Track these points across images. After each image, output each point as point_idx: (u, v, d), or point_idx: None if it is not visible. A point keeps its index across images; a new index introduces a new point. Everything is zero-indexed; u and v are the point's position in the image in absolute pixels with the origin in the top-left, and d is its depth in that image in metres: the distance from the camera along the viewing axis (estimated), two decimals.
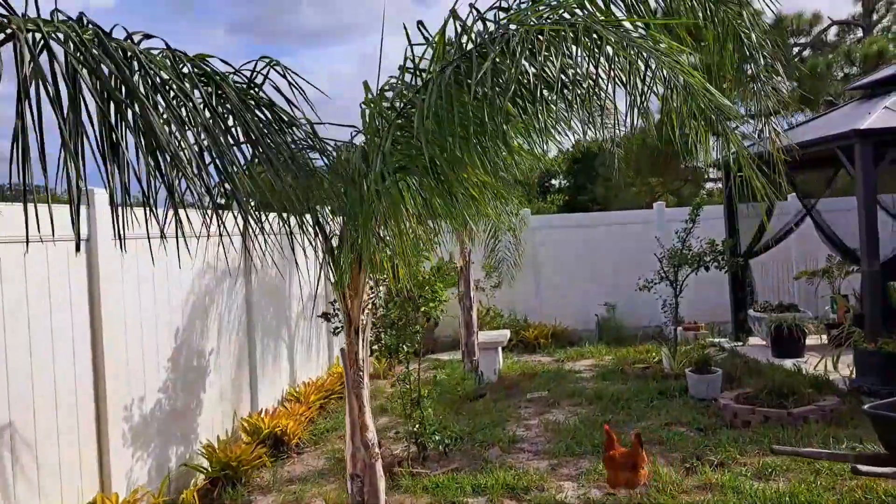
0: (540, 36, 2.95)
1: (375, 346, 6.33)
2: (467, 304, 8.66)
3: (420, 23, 3.60)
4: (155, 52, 2.94)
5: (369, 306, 6.84)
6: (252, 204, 3.42)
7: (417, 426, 5.91)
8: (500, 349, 9.33)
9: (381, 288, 6.25)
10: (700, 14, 4.58)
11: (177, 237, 2.50)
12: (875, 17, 18.14)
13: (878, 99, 8.41)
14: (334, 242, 3.79)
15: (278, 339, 7.47)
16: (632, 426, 6.56)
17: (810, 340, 9.31)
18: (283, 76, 3.58)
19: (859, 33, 17.98)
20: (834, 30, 17.99)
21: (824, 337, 9.84)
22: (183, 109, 2.75)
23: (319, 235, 3.72)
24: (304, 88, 3.58)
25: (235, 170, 3.02)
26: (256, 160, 3.42)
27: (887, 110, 7.64)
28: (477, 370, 8.62)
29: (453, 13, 3.50)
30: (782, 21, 16.44)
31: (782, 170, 5.50)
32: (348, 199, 3.57)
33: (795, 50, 17.53)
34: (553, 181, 26.34)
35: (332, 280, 3.77)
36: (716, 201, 18.90)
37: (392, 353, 6.21)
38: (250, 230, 2.97)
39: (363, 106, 3.71)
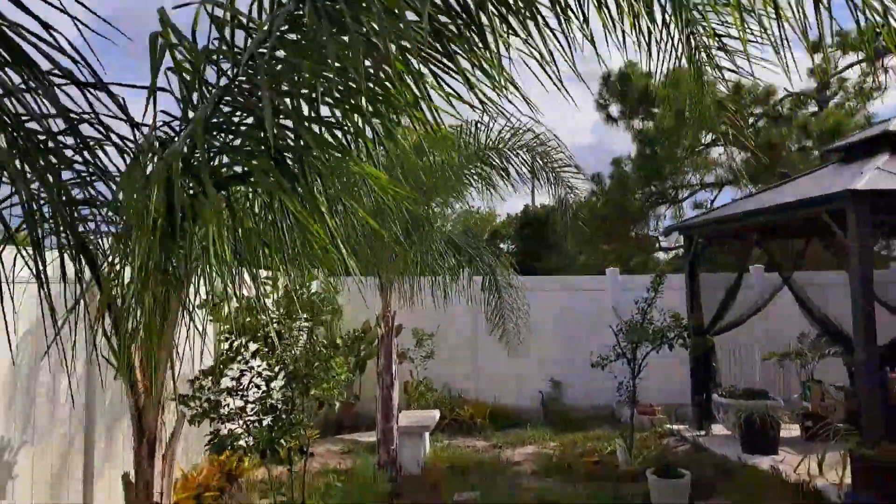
0: None
1: (243, 442, 4.70)
2: (387, 380, 7.03)
3: None
4: None
5: (241, 382, 5.25)
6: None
7: None
8: (426, 434, 7.77)
9: (255, 360, 4.69)
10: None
11: None
12: (828, 93, 17.90)
13: (861, 161, 7.45)
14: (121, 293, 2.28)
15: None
16: None
17: (783, 432, 8.06)
18: None
19: (812, 107, 17.64)
20: (787, 104, 17.60)
21: (795, 427, 8.66)
22: None
23: (88, 276, 2.22)
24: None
25: None
26: None
27: (880, 171, 6.62)
28: (395, 463, 6.99)
29: None
30: (740, 89, 15.92)
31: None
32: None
33: (751, 121, 17.01)
34: (501, 245, 25.14)
35: (114, 361, 2.26)
36: (665, 271, 17.90)
37: (266, 453, 4.58)
38: None
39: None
